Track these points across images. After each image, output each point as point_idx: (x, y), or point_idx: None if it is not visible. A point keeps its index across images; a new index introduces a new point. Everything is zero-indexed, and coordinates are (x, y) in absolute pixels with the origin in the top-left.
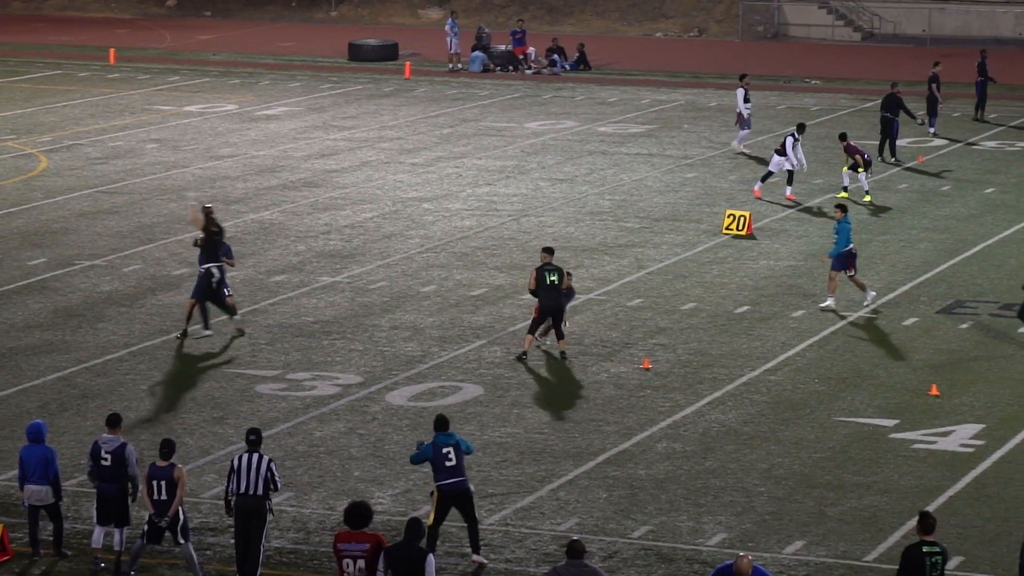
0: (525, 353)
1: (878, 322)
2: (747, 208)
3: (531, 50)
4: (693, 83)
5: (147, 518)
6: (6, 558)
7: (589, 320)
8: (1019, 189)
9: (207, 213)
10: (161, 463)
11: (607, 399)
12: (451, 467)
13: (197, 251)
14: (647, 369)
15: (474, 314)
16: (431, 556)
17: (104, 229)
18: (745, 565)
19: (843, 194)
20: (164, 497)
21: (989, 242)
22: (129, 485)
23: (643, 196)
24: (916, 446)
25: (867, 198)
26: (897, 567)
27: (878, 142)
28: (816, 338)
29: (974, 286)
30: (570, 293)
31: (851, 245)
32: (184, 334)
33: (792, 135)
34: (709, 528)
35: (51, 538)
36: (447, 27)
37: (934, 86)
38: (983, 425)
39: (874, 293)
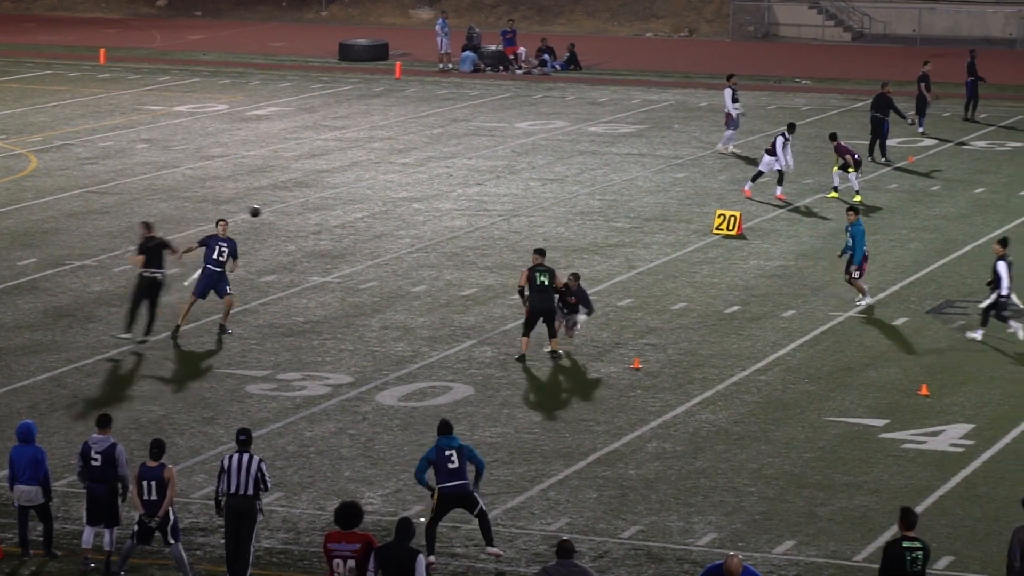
0: (523, 355)
1: (868, 322)
2: (737, 208)
3: (521, 50)
4: (683, 83)
5: (137, 518)
6: None
7: (580, 320)
8: (1009, 189)
9: (146, 226)
10: (151, 463)
11: (597, 399)
12: (453, 470)
13: (187, 252)
14: (637, 369)
15: (464, 314)
16: (421, 556)
17: (94, 229)
18: (735, 564)
19: (833, 194)
20: (154, 497)
21: (979, 242)
22: (119, 485)
23: (633, 196)
24: (906, 446)
25: (857, 198)
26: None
27: (868, 142)
28: (806, 338)
29: (964, 286)
30: (584, 299)
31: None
32: (176, 333)
33: (782, 135)
34: (699, 528)
35: (41, 538)
36: (437, 27)
37: (923, 85)
38: (973, 425)
39: (870, 300)
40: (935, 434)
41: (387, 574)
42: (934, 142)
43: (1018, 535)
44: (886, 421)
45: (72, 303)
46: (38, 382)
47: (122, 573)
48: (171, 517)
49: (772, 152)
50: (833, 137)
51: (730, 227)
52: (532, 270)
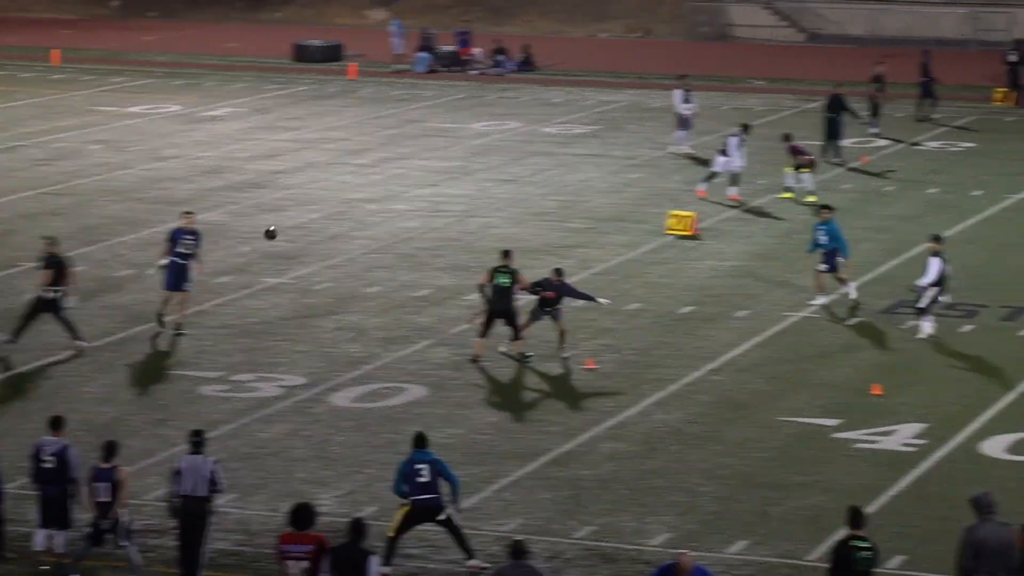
0: (477, 357)
1: (821, 322)
2: (691, 209)
3: (476, 51)
4: (638, 84)
5: (90, 520)
6: None
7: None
8: (962, 189)
9: (49, 242)
10: (103, 465)
11: (551, 400)
12: (423, 483)
13: (141, 253)
14: (591, 369)
15: (419, 315)
16: (374, 557)
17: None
18: (686, 562)
19: (787, 194)
20: (107, 499)
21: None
22: (72, 487)
23: (588, 197)
24: (859, 445)
25: (811, 198)
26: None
27: (822, 142)
28: (760, 338)
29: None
30: (572, 293)
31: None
32: (161, 323)
33: (736, 135)
34: (653, 528)
35: None
36: (392, 28)
37: (876, 86)
38: (925, 424)
39: (826, 300)
40: (887, 434)
41: (340, 575)
42: (887, 143)
43: (969, 534)
44: (839, 421)
45: (24, 305)
46: None
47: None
48: (124, 519)
49: (726, 153)
50: (787, 138)
51: (684, 228)
52: (494, 270)
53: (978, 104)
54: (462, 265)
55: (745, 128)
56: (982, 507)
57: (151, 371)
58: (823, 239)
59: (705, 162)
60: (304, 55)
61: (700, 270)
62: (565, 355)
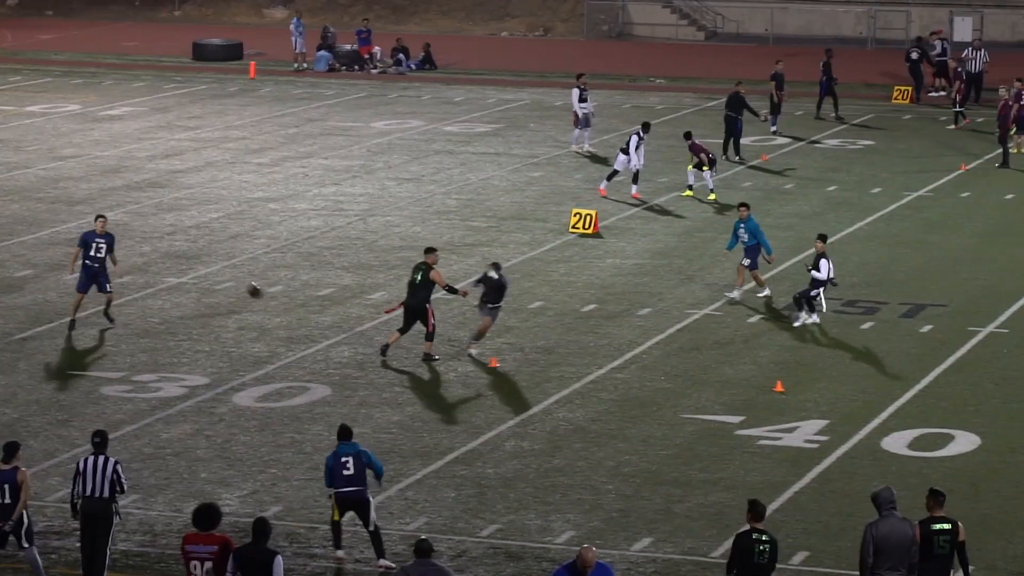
0: (387, 345)
1: (723, 320)
2: (593, 207)
3: (377, 49)
4: (539, 82)
5: None
6: None
7: (436, 319)
8: (861, 187)
9: None
10: (3, 466)
11: (455, 398)
12: (348, 476)
13: (40, 253)
14: (495, 368)
15: (321, 314)
16: (279, 557)
17: None
18: (590, 557)
19: (688, 192)
20: (7, 501)
21: (832, 240)
22: None
23: (490, 195)
24: (761, 442)
25: (712, 196)
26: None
27: (722, 140)
28: (662, 336)
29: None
30: (501, 284)
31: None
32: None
33: (637, 134)
34: (557, 526)
35: None
36: (292, 26)
37: (775, 85)
38: (827, 421)
39: (735, 295)
40: (790, 430)
41: (246, 575)
42: (787, 140)
43: (870, 530)
44: (742, 418)
45: None
46: None
47: None
48: (25, 521)
49: (626, 151)
50: (687, 136)
51: (586, 226)
52: (414, 268)
53: (877, 102)
54: (364, 264)
55: (645, 127)
56: (882, 503)
57: (52, 372)
58: (744, 236)
59: (605, 161)
60: (204, 54)
61: (602, 268)
62: (473, 351)
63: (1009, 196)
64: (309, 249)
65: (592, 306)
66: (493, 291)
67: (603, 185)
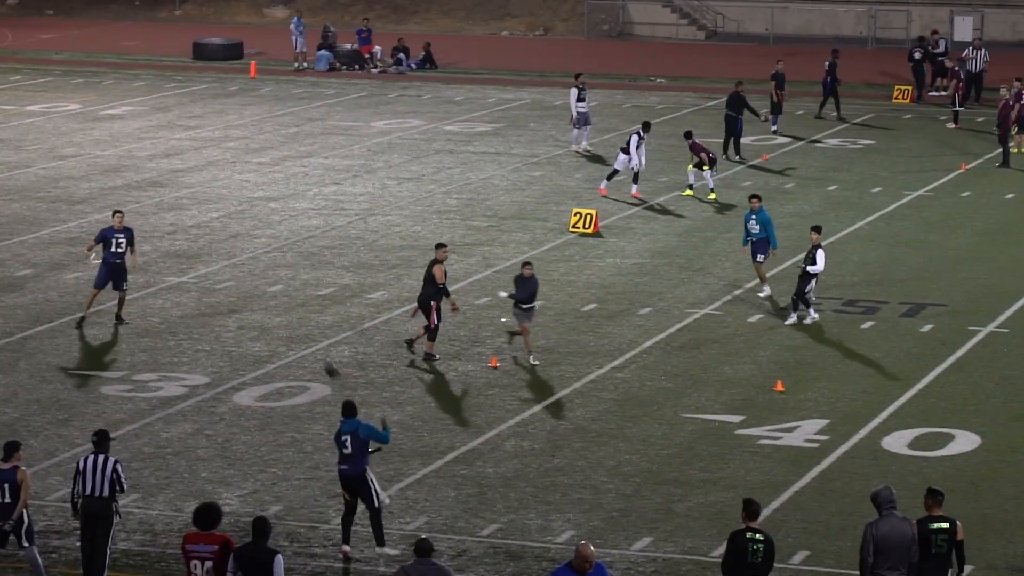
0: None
1: (723, 319)
2: (593, 206)
3: (377, 49)
4: (539, 82)
5: None
6: None
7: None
8: (861, 186)
9: None
10: (3, 465)
11: (455, 398)
12: (346, 454)
13: (41, 252)
14: (495, 367)
15: (321, 314)
16: (279, 556)
17: None
18: (589, 552)
19: (688, 192)
20: (7, 500)
21: (832, 239)
22: None
23: (490, 195)
24: (762, 442)
25: (712, 196)
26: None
27: (722, 140)
28: (663, 335)
29: (818, 283)
30: (535, 292)
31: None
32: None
33: (637, 133)
34: (557, 525)
35: None
36: (292, 26)
37: (775, 84)
38: (827, 420)
39: (767, 291)
40: (790, 430)
41: (246, 575)
42: (787, 140)
43: (869, 530)
44: (742, 417)
45: None
46: None
47: None
48: (25, 520)
49: (627, 150)
50: (688, 135)
51: (586, 225)
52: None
53: (877, 102)
54: (365, 263)
55: (646, 126)
56: (882, 502)
57: (53, 371)
58: (755, 228)
59: (605, 160)
60: (204, 53)
61: (603, 268)
62: (534, 360)
63: (1009, 195)
64: (309, 248)
65: (592, 305)
66: (526, 292)
67: (603, 184)
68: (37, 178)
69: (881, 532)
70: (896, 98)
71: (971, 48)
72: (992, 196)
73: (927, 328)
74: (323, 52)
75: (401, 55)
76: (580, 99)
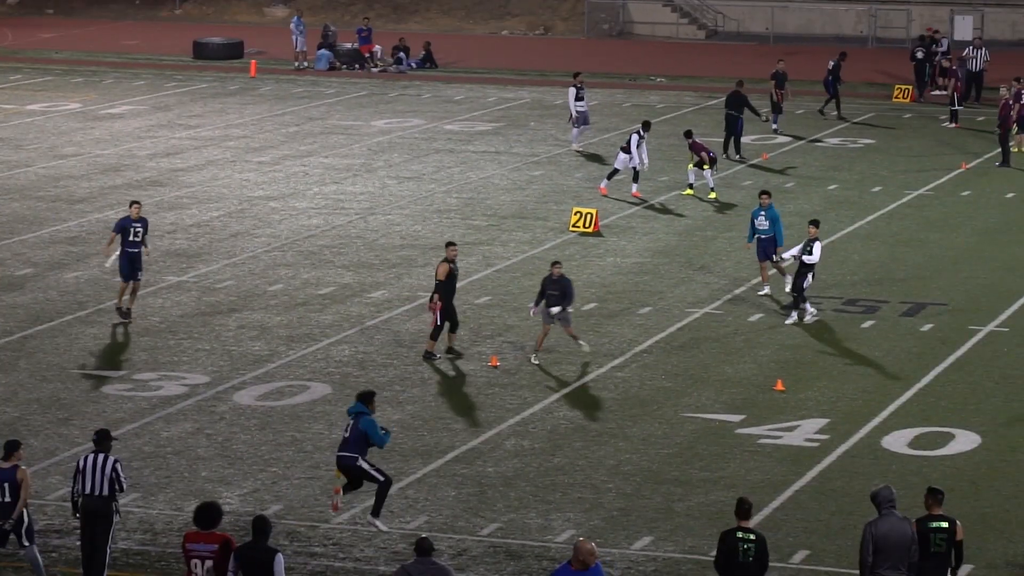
0: (430, 354)
1: (723, 318)
2: (594, 206)
3: (377, 48)
4: (539, 81)
5: None
6: None
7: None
8: (861, 186)
9: None
10: (3, 464)
11: (455, 397)
12: (343, 439)
13: (41, 251)
14: (495, 367)
15: (322, 313)
16: (280, 555)
17: None
18: (589, 548)
19: (688, 191)
20: (7, 499)
21: (832, 238)
22: None
23: (490, 194)
24: (762, 441)
25: (712, 195)
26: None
27: (723, 139)
28: (663, 335)
29: (818, 282)
30: (568, 291)
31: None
32: (120, 313)
33: (637, 133)
34: (558, 525)
35: None
36: (292, 25)
37: (775, 84)
38: (827, 420)
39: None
40: (790, 429)
41: (247, 574)
42: (788, 139)
43: (869, 529)
44: (742, 417)
45: None
46: None
47: None
48: (25, 519)
49: (627, 150)
50: (688, 134)
51: (586, 225)
52: (450, 262)
53: (878, 101)
54: (365, 263)
55: (646, 126)
56: (881, 502)
57: (53, 370)
58: (764, 225)
59: (605, 159)
60: (204, 52)
61: (603, 267)
62: (583, 346)
63: (1009, 195)
64: (310, 248)
65: (592, 305)
66: (558, 293)
67: (604, 184)
68: (37, 177)
69: (880, 531)
70: (896, 97)
71: (971, 47)
72: (992, 195)
73: (927, 327)
74: (323, 51)
75: (401, 54)
76: (579, 98)
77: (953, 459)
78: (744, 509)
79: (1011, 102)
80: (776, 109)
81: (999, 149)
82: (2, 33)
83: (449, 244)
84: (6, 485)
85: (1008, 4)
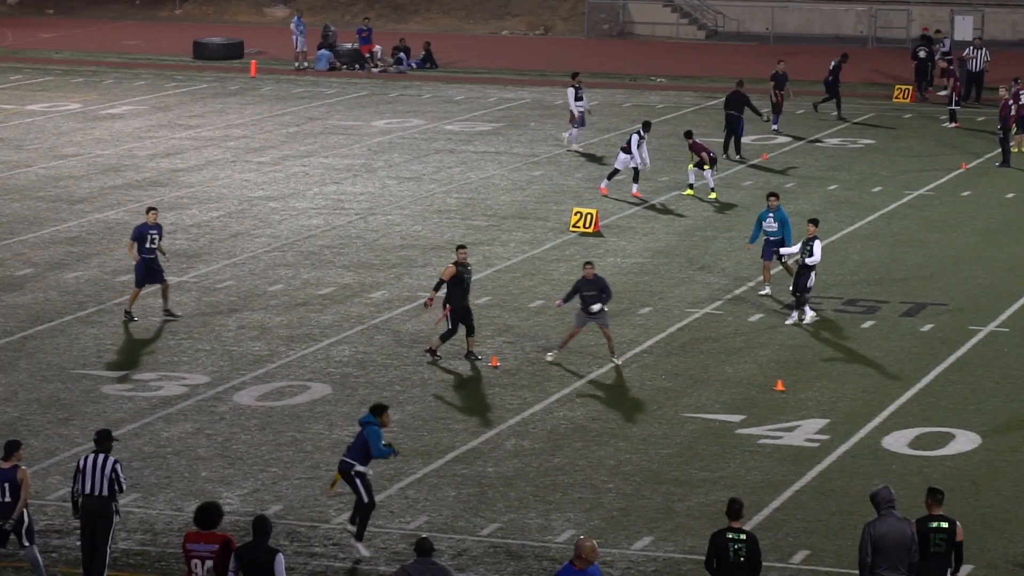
0: (432, 351)
1: (723, 319)
2: (594, 206)
3: (377, 48)
4: (539, 81)
5: None
6: None
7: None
8: (861, 186)
9: None
10: (3, 464)
11: (455, 397)
12: (350, 445)
13: (41, 252)
14: (495, 367)
15: (322, 313)
16: (280, 555)
17: None
18: (589, 545)
19: (689, 191)
20: (7, 499)
21: (832, 238)
22: None
23: (490, 194)
24: (762, 441)
25: (712, 195)
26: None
27: (723, 139)
28: (663, 335)
29: (818, 282)
30: (606, 289)
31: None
32: (130, 317)
33: (638, 133)
34: (558, 525)
35: None
36: (293, 25)
37: (775, 84)
38: (827, 420)
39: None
40: (790, 429)
41: (247, 574)
42: (788, 139)
43: (868, 529)
44: (742, 417)
45: None
46: None
47: None
48: (26, 519)
49: (628, 150)
50: (688, 135)
51: (587, 225)
52: (459, 265)
53: (878, 101)
54: (365, 263)
55: (646, 126)
56: (881, 502)
57: (53, 370)
58: (773, 227)
59: (605, 160)
60: (204, 52)
61: (603, 267)
62: (617, 361)
63: (1010, 195)
64: (310, 248)
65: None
66: (595, 292)
67: (604, 184)
68: (37, 177)
69: (879, 532)
70: (896, 97)
71: (971, 47)
72: (992, 195)
73: (927, 327)
74: (323, 51)
75: (401, 54)
76: (578, 98)
77: (953, 459)
78: (735, 509)
79: (1011, 102)
80: (776, 109)
81: (999, 149)
82: (2, 33)
83: (460, 247)
84: (6, 485)
85: (1008, 4)
